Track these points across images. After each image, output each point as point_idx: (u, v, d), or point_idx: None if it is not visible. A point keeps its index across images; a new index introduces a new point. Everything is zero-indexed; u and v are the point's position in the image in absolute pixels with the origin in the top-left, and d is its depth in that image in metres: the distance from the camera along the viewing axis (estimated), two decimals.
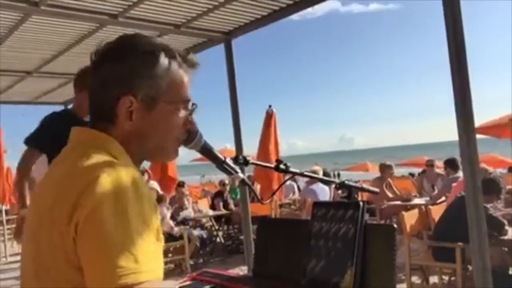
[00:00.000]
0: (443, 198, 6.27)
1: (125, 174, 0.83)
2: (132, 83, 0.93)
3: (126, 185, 0.81)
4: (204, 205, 8.90)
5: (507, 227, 4.15)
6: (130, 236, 0.76)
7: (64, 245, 0.80)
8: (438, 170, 8.00)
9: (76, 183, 0.81)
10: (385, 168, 8.10)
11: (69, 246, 0.79)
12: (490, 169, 5.40)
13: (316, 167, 7.79)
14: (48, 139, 2.87)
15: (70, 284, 0.80)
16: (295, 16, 4.34)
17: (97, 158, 0.87)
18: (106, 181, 0.80)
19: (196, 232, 7.18)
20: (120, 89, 0.93)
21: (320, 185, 6.94)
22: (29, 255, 0.89)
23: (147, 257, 0.77)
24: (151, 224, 0.81)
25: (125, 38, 0.99)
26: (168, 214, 6.81)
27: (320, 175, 5.97)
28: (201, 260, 7.11)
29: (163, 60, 0.95)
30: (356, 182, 1.55)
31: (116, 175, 0.81)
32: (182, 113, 0.99)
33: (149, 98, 0.94)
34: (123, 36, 1.00)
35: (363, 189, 1.54)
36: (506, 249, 4.28)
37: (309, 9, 4.16)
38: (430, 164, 8.12)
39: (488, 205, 4.12)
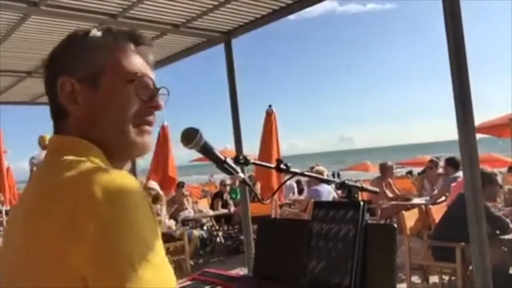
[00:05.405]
0: (443, 198, 6.27)
1: (118, 177, 0.76)
2: (67, 63, 0.89)
3: (125, 190, 0.74)
4: (204, 205, 8.90)
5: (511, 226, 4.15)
6: (145, 244, 0.72)
7: (64, 273, 0.71)
8: (439, 170, 7.97)
9: (67, 200, 0.72)
10: (385, 168, 8.10)
11: (72, 273, 0.71)
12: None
13: (320, 168, 7.78)
14: None
15: None
16: (292, 16, 4.34)
17: (77, 166, 0.78)
18: (101, 191, 0.72)
19: (197, 233, 7.18)
20: (57, 75, 0.88)
21: (325, 185, 6.92)
22: None
23: (164, 263, 0.74)
24: (156, 227, 0.76)
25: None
26: (165, 213, 6.79)
27: (325, 176, 5.97)
28: (201, 260, 7.12)
29: (94, 33, 0.91)
30: (356, 181, 1.54)
31: (109, 181, 0.74)
32: (133, 88, 0.89)
33: (89, 75, 0.87)
34: None
35: (363, 189, 1.54)
36: (505, 248, 4.28)
37: (306, 9, 4.16)
38: (432, 166, 8.05)
39: (489, 204, 4.12)
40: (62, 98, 0.88)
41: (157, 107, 0.93)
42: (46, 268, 0.73)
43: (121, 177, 0.76)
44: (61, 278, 0.72)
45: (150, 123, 0.93)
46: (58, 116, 0.91)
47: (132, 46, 0.92)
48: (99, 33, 0.91)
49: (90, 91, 0.87)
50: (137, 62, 0.92)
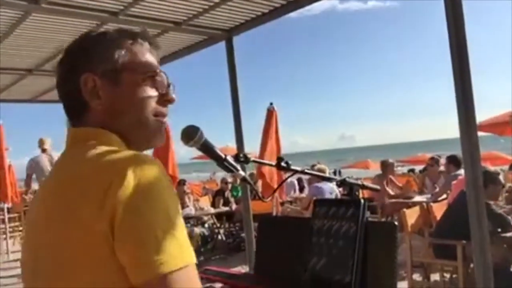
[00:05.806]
0: (444, 196, 6.27)
1: (149, 163, 0.83)
2: (88, 61, 0.94)
3: (155, 174, 0.81)
4: (205, 203, 8.92)
5: None
6: (170, 222, 0.79)
7: (95, 246, 0.77)
8: (440, 167, 7.95)
9: (101, 179, 0.79)
10: (386, 165, 8.09)
11: (102, 246, 0.77)
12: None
13: (322, 166, 7.76)
14: None
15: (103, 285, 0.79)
16: (293, 13, 4.33)
17: (113, 151, 0.86)
18: (133, 173, 0.79)
19: (198, 230, 7.18)
20: (79, 72, 0.93)
21: (327, 182, 6.89)
22: (42, 260, 0.85)
23: (187, 241, 0.82)
24: (179, 210, 0.83)
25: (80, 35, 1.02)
26: None
27: (327, 174, 5.96)
28: (202, 258, 7.13)
29: (111, 32, 0.98)
30: (357, 179, 1.54)
31: (141, 165, 0.81)
32: (152, 84, 0.97)
33: (110, 71, 0.94)
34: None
35: (364, 187, 1.54)
36: (506, 246, 4.27)
37: (307, 7, 4.15)
38: (433, 163, 8.04)
39: (491, 202, 4.11)
40: (85, 93, 0.93)
41: (171, 100, 1.01)
42: (77, 251, 0.79)
43: (151, 163, 0.83)
44: (97, 254, 0.78)
45: (165, 115, 1.01)
46: (78, 110, 0.96)
47: (147, 44, 1.00)
48: (115, 33, 0.98)
49: (111, 87, 0.94)
50: (153, 59, 1.00)
